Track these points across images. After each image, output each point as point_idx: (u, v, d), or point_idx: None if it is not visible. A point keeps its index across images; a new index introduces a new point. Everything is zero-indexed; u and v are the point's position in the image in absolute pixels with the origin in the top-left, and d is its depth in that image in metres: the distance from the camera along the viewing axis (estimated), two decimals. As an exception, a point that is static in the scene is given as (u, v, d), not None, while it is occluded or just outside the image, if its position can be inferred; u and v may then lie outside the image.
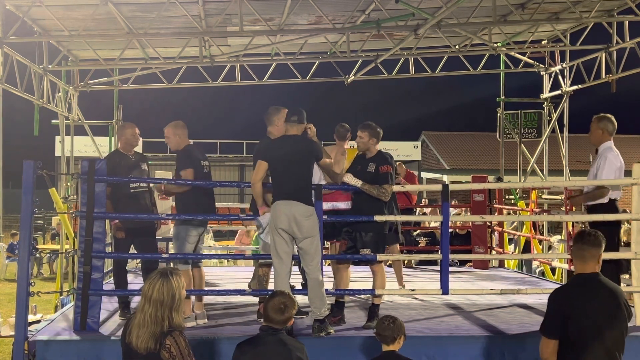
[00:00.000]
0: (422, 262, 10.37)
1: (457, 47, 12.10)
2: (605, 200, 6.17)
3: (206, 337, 5.28)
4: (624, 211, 7.19)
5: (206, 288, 6.85)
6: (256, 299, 6.33)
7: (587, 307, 3.76)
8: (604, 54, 11.32)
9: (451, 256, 6.51)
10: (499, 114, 13.42)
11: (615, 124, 6.33)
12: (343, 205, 7.31)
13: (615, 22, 10.82)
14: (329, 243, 7.89)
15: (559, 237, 11.46)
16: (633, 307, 5.62)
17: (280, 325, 3.94)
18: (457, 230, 11.13)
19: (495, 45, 11.90)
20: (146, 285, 3.64)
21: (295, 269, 8.35)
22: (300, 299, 6.80)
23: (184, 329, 3.65)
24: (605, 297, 3.81)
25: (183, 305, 3.69)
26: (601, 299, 3.80)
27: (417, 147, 32.66)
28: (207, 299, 6.57)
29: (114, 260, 6.56)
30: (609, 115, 6.35)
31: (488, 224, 10.35)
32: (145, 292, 3.62)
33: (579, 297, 3.80)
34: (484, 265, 10.17)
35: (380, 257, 6.47)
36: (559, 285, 4.68)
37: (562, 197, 9.40)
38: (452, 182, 5.90)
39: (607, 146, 6.27)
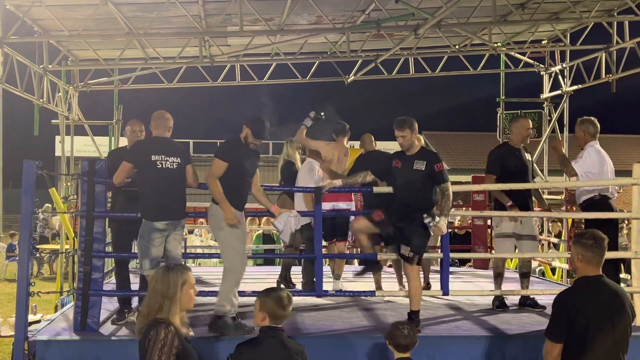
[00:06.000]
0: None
1: (457, 47, 12.10)
2: (593, 194, 6.34)
3: (206, 337, 5.27)
4: (621, 211, 7.26)
5: (206, 289, 6.84)
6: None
7: (593, 309, 3.76)
8: (604, 54, 11.33)
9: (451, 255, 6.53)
10: (499, 114, 13.41)
11: (598, 126, 6.51)
12: (344, 205, 7.31)
13: (615, 22, 10.83)
14: (327, 243, 7.89)
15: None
16: (633, 307, 5.61)
17: (282, 322, 3.93)
18: (455, 230, 11.13)
19: (495, 45, 11.90)
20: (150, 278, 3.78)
21: (297, 269, 8.37)
22: (301, 299, 6.83)
23: (182, 322, 3.62)
24: (610, 299, 3.81)
25: (182, 301, 3.65)
26: (606, 300, 3.80)
27: (417, 147, 32.50)
28: (207, 299, 6.56)
29: (116, 260, 6.53)
30: (592, 118, 6.54)
31: (488, 224, 10.35)
32: (148, 283, 3.76)
33: (585, 300, 3.79)
34: (484, 265, 10.17)
35: (381, 256, 6.47)
36: (563, 288, 4.68)
37: (562, 197, 9.42)
38: (453, 182, 5.91)
39: (590, 145, 6.45)
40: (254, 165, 5.67)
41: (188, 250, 9.66)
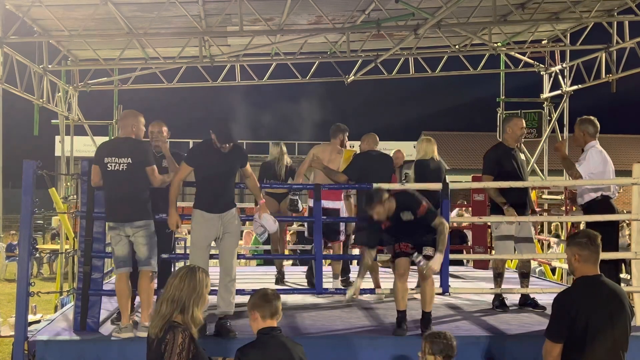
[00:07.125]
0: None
1: (457, 47, 12.11)
2: (596, 195, 6.29)
3: (206, 336, 5.27)
4: (621, 212, 7.27)
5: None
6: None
7: (593, 309, 3.76)
8: (604, 54, 11.34)
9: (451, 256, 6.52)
10: (499, 114, 13.42)
11: (597, 125, 6.43)
12: (330, 204, 7.30)
13: (615, 22, 10.84)
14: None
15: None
16: (633, 306, 5.61)
17: (277, 319, 3.91)
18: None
19: (495, 45, 11.91)
20: (171, 276, 3.71)
21: (298, 269, 8.39)
22: (301, 298, 6.84)
23: (199, 324, 3.61)
24: (609, 298, 3.81)
25: (204, 303, 3.65)
26: (606, 300, 3.80)
27: (417, 147, 32.53)
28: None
29: None
30: (591, 118, 6.47)
31: (488, 224, 10.34)
32: (168, 281, 3.68)
33: (585, 300, 3.79)
34: (484, 265, 10.16)
35: (380, 257, 6.47)
36: (563, 288, 4.67)
37: (562, 197, 9.41)
38: (452, 182, 5.93)
39: (591, 145, 6.38)
40: (232, 165, 5.50)
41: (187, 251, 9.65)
